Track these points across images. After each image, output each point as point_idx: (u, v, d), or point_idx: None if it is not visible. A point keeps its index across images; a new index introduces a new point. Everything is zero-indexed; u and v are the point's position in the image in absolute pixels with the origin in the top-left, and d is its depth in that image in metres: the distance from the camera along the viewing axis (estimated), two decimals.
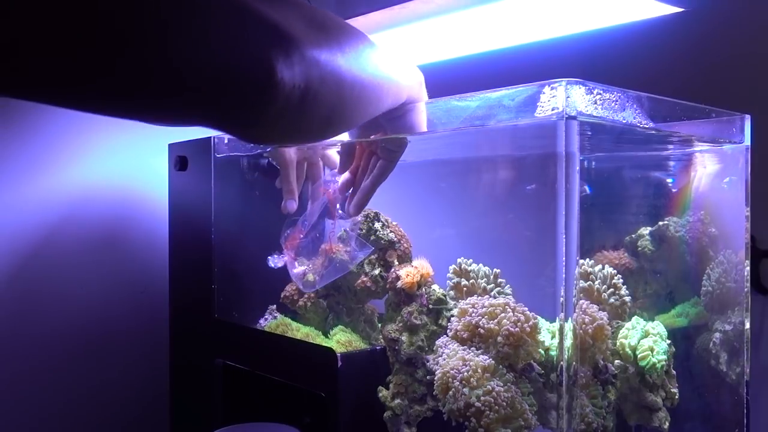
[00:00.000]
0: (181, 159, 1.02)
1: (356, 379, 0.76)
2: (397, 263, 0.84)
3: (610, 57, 1.03)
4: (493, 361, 0.67)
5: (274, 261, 0.89)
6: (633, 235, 0.89)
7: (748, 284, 0.77)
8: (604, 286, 0.78)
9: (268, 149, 0.90)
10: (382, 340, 0.77)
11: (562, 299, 0.58)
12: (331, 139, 0.58)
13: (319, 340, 0.88)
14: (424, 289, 0.76)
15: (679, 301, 0.86)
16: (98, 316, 1.16)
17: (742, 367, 0.78)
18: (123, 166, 1.18)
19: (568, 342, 0.58)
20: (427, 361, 0.72)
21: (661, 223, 0.87)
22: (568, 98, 0.56)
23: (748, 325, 0.77)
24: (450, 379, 0.67)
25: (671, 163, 0.89)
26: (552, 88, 0.57)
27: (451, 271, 0.80)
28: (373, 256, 0.87)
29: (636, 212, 0.91)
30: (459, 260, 0.80)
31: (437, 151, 0.74)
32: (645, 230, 0.88)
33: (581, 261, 0.77)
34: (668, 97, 0.66)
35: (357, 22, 0.86)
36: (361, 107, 0.56)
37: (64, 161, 1.12)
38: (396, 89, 0.61)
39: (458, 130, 0.65)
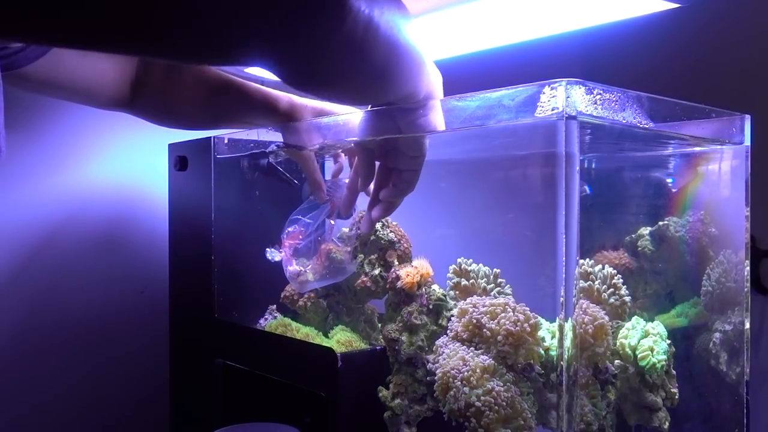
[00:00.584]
0: (181, 159, 1.02)
1: (356, 379, 0.76)
2: (397, 263, 0.84)
3: (609, 54, 1.03)
4: (492, 361, 0.67)
5: (272, 254, 0.90)
6: (633, 235, 0.89)
7: (748, 284, 0.77)
8: (604, 286, 0.78)
9: (269, 148, 0.90)
10: (382, 340, 0.77)
11: (562, 299, 0.58)
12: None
13: (319, 340, 0.88)
14: (424, 289, 0.76)
15: (679, 301, 0.86)
16: (98, 316, 1.16)
17: (742, 367, 0.78)
18: (123, 166, 1.18)
19: (568, 342, 0.58)
20: (427, 362, 0.72)
21: (661, 223, 0.87)
22: (568, 98, 0.56)
23: (748, 325, 0.77)
24: (450, 379, 0.67)
25: (671, 163, 0.89)
26: (552, 88, 0.57)
27: (451, 271, 0.80)
28: (373, 256, 0.87)
29: (636, 212, 0.91)
30: (459, 260, 0.80)
31: (437, 151, 0.74)
32: (645, 230, 0.88)
33: (581, 261, 0.77)
34: (668, 97, 0.66)
35: None
36: (403, 70, 0.55)
37: (64, 161, 1.12)
38: (425, 75, 0.60)
39: (458, 130, 0.65)
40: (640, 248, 0.88)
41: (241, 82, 0.89)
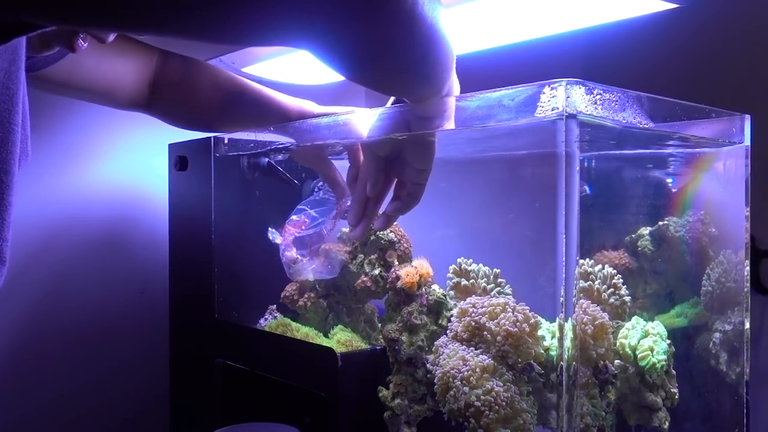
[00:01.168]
0: (181, 159, 1.02)
1: (356, 379, 0.76)
2: (397, 263, 0.84)
3: (609, 54, 1.03)
4: (492, 361, 0.67)
5: (273, 235, 0.90)
6: (633, 235, 0.89)
7: (748, 284, 0.77)
8: (604, 286, 0.78)
9: (271, 147, 0.90)
10: (382, 340, 0.77)
11: (562, 299, 0.58)
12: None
13: (319, 340, 0.88)
14: (424, 289, 0.76)
15: (679, 301, 0.86)
16: (98, 316, 1.16)
17: (742, 367, 0.78)
18: (123, 166, 1.18)
19: (568, 342, 0.58)
20: (427, 362, 0.72)
21: (661, 223, 0.87)
22: (568, 98, 0.56)
23: (748, 325, 0.77)
24: (450, 379, 0.67)
25: (671, 163, 0.89)
26: (552, 88, 0.57)
27: (451, 271, 0.80)
28: (373, 256, 0.87)
29: (636, 212, 0.91)
30: (459, 260, 0.80)
31: (439, 150, 0.74)
32: (645, 230, 0.88)
33: (581, 261, 0.77)
34: (668, 97, 0.66)
35: None
36: (441, 56, 0.55)
37: (64, 161, 1.12)
38: (449, 74, 0.60)
39: (458, 130, 0.65)
40: (640, 248, 0.88)
41: (253, 85, 0.89)
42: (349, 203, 0.82)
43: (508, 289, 0.78)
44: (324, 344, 0.84)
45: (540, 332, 0.69)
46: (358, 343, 0.88)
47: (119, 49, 0.86)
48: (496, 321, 0.69)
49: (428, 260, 0.79)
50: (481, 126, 0.63)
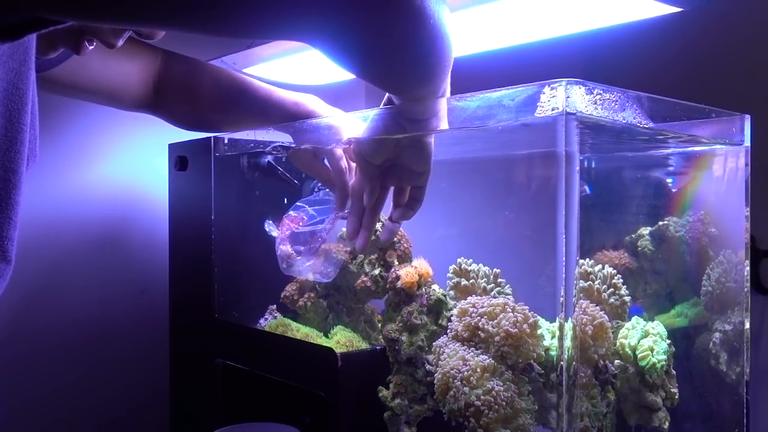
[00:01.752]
0: (181, 159, 1.02)
1: (356, 379, 0.76)
2: (397, 263, 0.84)
3: (610, 57, 1.03)
4: (492, 361, 0.67)
5: (270, 227, 0.90)
6: (633, 235, 0.89)
7: (748, 284, 0.77)
8: (604, 286, 0.78)
9: (272, 145, 0.91)
10: (382, 340, 0.77)
11: (562, 299, 0.58)
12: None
13: (319, 340, 0.88)
14: (424, 289, 0.76)
15: (679, 301, 0.86)
16: (98, 316, 1.16)
17: (742, 367, 0.78)
18: (123, 166, 1.18)
19: (568, 342, 0.58)
20: (427, 362, 0.72)
21: (661, 223, 0.87)
22: (568, 98, 0.56)
23: (748, 325, 0.77)
24: (450, 379, 0.67)
25: (671, 163, 0.89)
26: (552, 88, 0.57)
27: (451, 271, 0.80)
28: (373, 256, 0.87)
29: (636, 212, 0.91)
30: (459, 260, 0.80)
31: (437, 150, 0.74)
32: (645, 230, 0.88)
33: (581, 261, 0.77)
34: (668, 97, 0.66)
35: None
36: (442, 54, 0.56)
37: (64, 161, 1.12)
38: (447, 74, 0.61)
39: (459, 129, 0.65)
40: (640, 248, 0.88)
41: (253, 82, 0.89)
42: (347, 210, 0.80)
43: (508, 289, 0.78)
44: (324, 344, 0.84)
45: (540, 332, 0.69)
46: (358, 343, 0.88)
47: (125, 51, 0.86)
48: (495, 321, 0.69)
49: (428, 260, 0.79)
50: (481, 126, 0.63)
